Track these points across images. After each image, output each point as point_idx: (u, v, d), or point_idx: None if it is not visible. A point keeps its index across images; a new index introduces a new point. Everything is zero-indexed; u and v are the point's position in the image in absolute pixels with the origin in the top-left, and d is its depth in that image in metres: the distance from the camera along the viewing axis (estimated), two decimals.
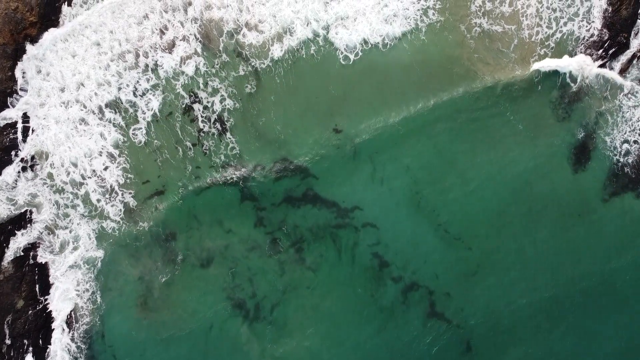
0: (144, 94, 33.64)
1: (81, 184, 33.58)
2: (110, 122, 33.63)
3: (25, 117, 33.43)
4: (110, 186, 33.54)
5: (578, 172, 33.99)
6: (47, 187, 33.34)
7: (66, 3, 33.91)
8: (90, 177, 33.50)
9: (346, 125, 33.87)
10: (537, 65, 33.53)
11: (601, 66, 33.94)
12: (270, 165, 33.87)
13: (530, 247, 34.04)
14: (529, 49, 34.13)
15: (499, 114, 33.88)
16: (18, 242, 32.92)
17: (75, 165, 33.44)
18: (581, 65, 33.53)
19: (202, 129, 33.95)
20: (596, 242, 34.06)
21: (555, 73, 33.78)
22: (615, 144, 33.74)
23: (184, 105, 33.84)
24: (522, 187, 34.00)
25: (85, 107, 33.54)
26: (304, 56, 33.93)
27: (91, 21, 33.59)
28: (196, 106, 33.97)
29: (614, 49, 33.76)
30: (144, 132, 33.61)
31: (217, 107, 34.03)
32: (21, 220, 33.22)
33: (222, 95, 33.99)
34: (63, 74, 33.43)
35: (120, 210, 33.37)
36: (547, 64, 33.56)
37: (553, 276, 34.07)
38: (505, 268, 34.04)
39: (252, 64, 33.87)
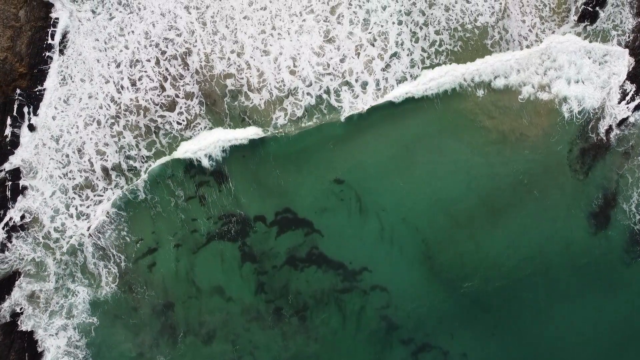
0: (146, 160, 31.92)
1: (76, 249, 31.88)
2: (110, 184, 31.83)
3: (17, 175, 31.61)
4: (105, 248, 31.83)
5: (597, 235, 32.42)
6: (39, 249, 31.53)
7: (58, 52, 32.09)
8: (81, 236, 31.78)
9: (348, 177, 32.38)
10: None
11: (622, 121, 32.32)
12: (272, 217, 32.15)
13: (548, 310, 32.89)
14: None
15: (513, 179, 32.33)
16: (5, 307, 31.16)
17: (63, 224, 31.72)
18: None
19: (203, 196, 32.21)
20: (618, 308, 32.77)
21: (572, 128, 32.19)
22: (632, 207, 32.25)
23: (184, 166, 32.04)
24: (539, 252, 32.69)
25: (84, 171, 31.83)
26: (307, 122, 32.24)
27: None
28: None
29: (638, 101, 32.17)
30: (142, 193, 31.78)
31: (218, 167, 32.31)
32: (10, 285, 31.43)
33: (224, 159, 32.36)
34: (57, 129, 31.70)
35: (116, 275, 31.59)
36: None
37: (572, 339, 32.98)
38: (524, 330, 32.92)
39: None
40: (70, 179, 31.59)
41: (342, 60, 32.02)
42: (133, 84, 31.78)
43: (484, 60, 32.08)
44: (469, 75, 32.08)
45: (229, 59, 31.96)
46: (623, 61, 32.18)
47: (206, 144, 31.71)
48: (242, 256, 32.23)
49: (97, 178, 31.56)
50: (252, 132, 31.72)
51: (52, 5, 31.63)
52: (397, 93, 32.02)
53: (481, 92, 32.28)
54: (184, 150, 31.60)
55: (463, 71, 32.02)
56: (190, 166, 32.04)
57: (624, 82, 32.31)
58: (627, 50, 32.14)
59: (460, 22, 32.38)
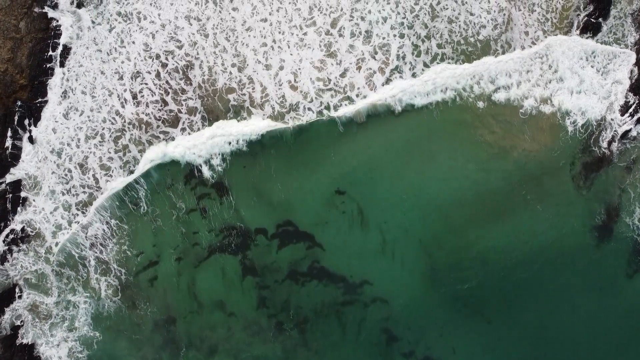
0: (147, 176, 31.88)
1: (79, 260, 31.75)
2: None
3: (17, 187, 31.47)
4: (107, 262, 31.76)
5: (600, 247, 32.41)
6: (40, 262, 31.45)
7: (59, 64, 31.91)
8: (87, 251, 31.70)
9: (349, 188, 32.24)
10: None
11: (625, 134, 32.18)
12: (273, 230, 32.08)
13: (551, 322, 32.95)
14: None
15: (515, 193, 32.26)
16: (5, 320, 31.12)
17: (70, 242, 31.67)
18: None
19: (204, 208, 32.09)
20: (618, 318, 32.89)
21: (575, 142, 32.07)
22: (635, 221, 32.21)
23: (184, 176, 31.92)
24: (542, 265, 32.59)
25: (87, 187, 31.65)
26: (307, 130, 32.16)
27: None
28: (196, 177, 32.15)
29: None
30: (143, 203, 31.67)
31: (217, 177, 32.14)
32: (10, 297, 31.38)
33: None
34: (58, 142, 31.56)
35: (117, 288, 31.52)
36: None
37: (575, 351, 33.16)
38: (527, 343, 32.94)
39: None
40: (73, 195, 31.42)
41: (342, 75, 31.86)
42: (134, 97, 31.62)
43: (485, 61, 31.75)
44: (469, 84, 31.79)
45: (230, 72, 31.82)
46: (627, 67, 31.92)
47: (203, 142, 31.36)
48: (244, 270, 32.16)
49: (102, 194, 31.40)
50: (252, 126, 31.38)
51: (52, 16, 31.38)
52: (393, 89, 31.74)
53: (481, 104, 32.12)
54: (177, 146, 31.23)
55: (461, 71, 31.67)
56: (190, 176, 31.88)
57: (627, 93, 32.11)
58: (633, 53, 31.86)
59: (464, 35, 32.22)
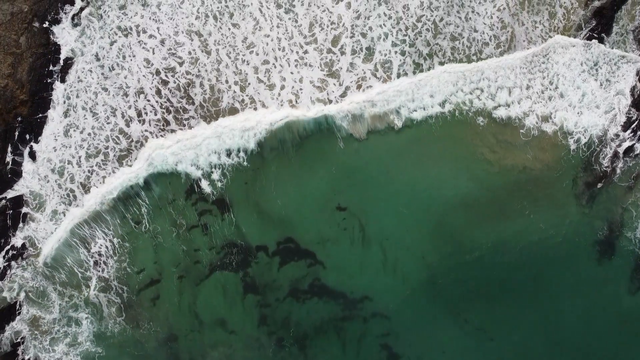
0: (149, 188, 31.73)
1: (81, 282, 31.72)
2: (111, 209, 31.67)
3: (19, 203, 31.38)
4: (108, 280, 31.72)
5: (601, 263, 32.47)
6: (40, 278, 31.41)
7: (59, 79, 31.78)
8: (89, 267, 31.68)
9: (350, 204, 32.21)
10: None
11: (627, 151, 32.14)
12: (274, 248, 32.04)
13: (554, 338, 33.07)
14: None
15: (517, 210, 32.31)
16: (5, 336, 31.10)
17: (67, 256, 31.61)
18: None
19: (205, 225, 32.08)
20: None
21: (577, 161, 32.02)
22: (638, 234, 32.20)
23: (185, 191, 31.87)
24: (545, 279, 32.78)
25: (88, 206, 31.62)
26: (308, 146, 32.10)
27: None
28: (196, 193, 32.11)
29: None
30: (145, 220, 31.59)
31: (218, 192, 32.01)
32: (10, 314, 31.34)
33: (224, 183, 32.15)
34: (58, 160, 31.43)
35: (120, 307, 31.49)
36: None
37: None
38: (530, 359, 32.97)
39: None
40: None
41: (342, 95, 31.73)
42: (139, 114, 31.46)
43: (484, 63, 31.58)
44: (468, 98, 31.63)
45: (234, 91, 31.68)
46: (630, 75, 31.75)
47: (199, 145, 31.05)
48: (245, 288, 32.17)
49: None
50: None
51: (53, 31, 31.22)
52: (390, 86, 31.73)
53: (482, 120, 31.98)
54: (177, 154, 30.98)
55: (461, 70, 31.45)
56: (191, 191, 31.78)
57: (629, 109, 32.01)
58: None
59: (467, 52, 32.09)
